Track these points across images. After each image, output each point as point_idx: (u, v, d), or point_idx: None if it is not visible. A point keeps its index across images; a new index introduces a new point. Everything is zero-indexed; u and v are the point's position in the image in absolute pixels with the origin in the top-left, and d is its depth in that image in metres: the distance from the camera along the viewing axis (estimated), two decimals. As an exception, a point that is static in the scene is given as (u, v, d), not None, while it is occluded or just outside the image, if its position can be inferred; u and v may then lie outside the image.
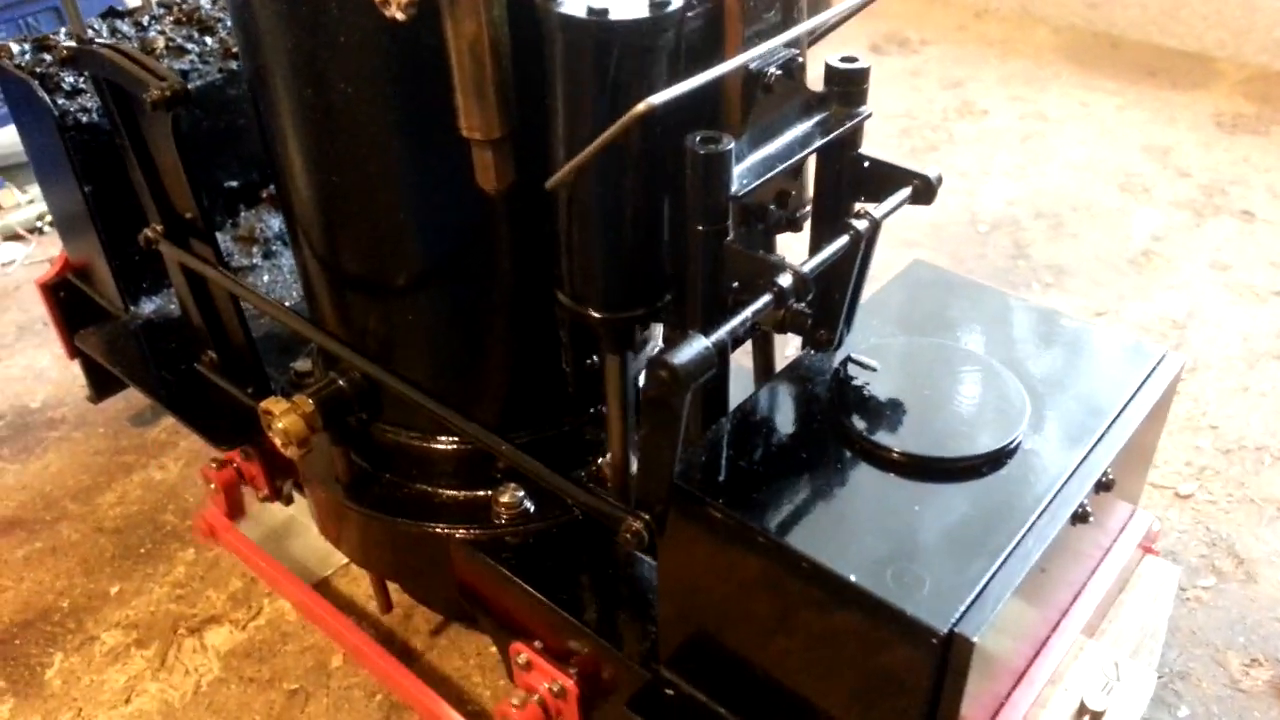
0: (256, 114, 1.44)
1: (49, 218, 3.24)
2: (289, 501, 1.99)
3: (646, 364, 1.06)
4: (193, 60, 1.97)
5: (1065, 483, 1.15)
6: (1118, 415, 1.24)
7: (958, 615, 1.00)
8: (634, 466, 1.44)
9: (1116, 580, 1.45)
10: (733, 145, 1.09)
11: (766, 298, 1.10)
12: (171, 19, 2.06)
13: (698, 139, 1.09)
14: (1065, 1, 4.46)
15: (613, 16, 1.03)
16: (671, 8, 1.05)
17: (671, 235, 1.24)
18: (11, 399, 2.59)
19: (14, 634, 2.00)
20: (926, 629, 1.00)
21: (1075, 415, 1.24)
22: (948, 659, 1.01)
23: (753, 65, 1.14)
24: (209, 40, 2.01)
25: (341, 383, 1.55)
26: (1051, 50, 4.25)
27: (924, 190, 1.27)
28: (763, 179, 1.16)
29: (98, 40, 1.54)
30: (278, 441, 1.52)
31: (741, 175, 1.14)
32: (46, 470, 2.37)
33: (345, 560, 2.05)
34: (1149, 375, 1.30)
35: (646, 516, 1.17)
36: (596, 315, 1.29)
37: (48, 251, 3.13)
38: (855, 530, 1.11)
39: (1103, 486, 1.18)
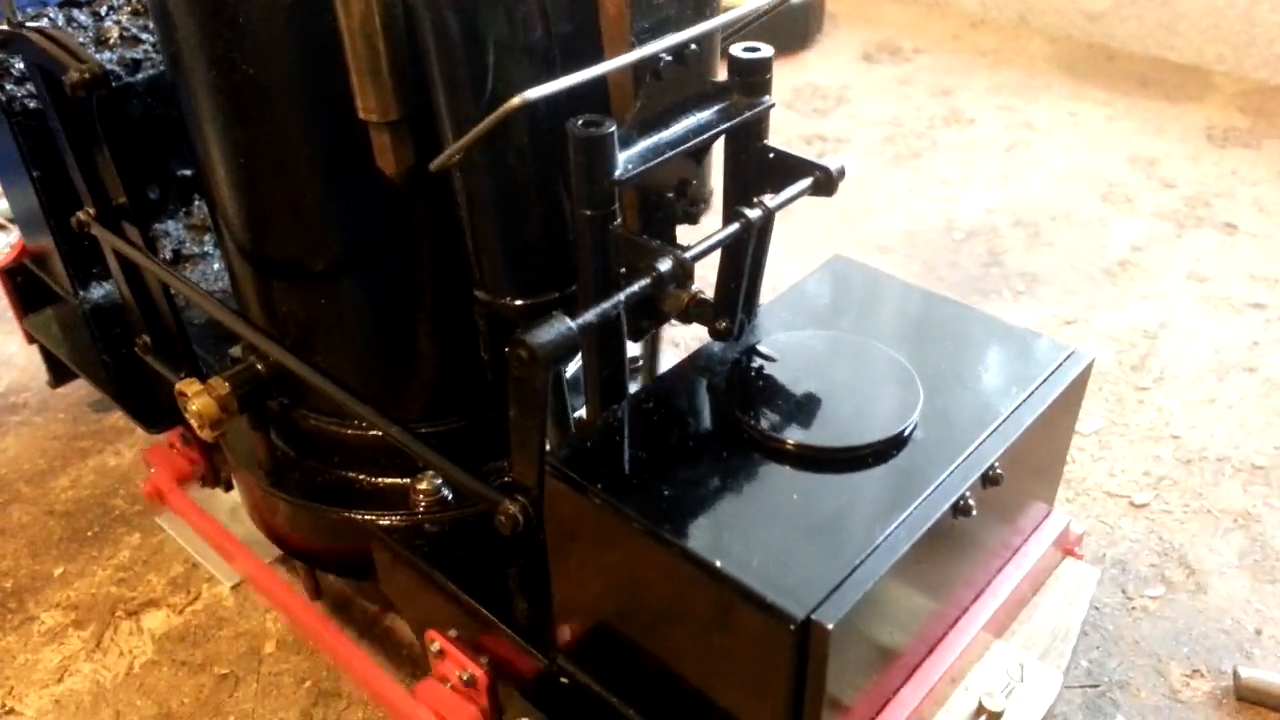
0: (176, 98, 1.45)
1: (32, 208, 3.28)
2: (229, 488, 2.00)
3: (507, 346, 1.05)
4: (146, 50, 1.98)
5: (947, 475, 1.13)
6: (1012, 411, 1.22)
7: (816, 603, 0.99)
8: None
9: (1029, 581, 1.43)
10: (614, 130, 1.09)
11: (644, 280, 1.09)
12: (129, 9, 2.08)
13: (579, 123, 1.09)
14: (1064, 12, 4.44)
15: (481, 3, 1.03)
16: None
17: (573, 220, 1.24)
18: (-23, 383, 2.62)
19: (-44, 613, 2.02)
20: (785, 615, 0.99)
21: (969, 409, 1.22)
22: (807, 646, 1.00)
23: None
24: (163, 29, 2.03)
25: (259, 366, 1.56)
26: (1045, 60, 4.23)
27: (825, 182, 1.26)
28: (650, 164, 1.15)
29: (26, 25, 1.56)
30: (194, 423, 1.52)
31: (627, 160, 1.14)
32: (4, 454, 2.39)
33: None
34: (1051, 373, 1.29)
35: (522, 500, 1.16)
36: (513, 304, 1.29)
37: (28, 241, 3.16)
38: (732, 519, 1.10)
39: (990, 481, 1.16)
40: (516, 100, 1.00)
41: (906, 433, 1.18)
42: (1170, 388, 2.54)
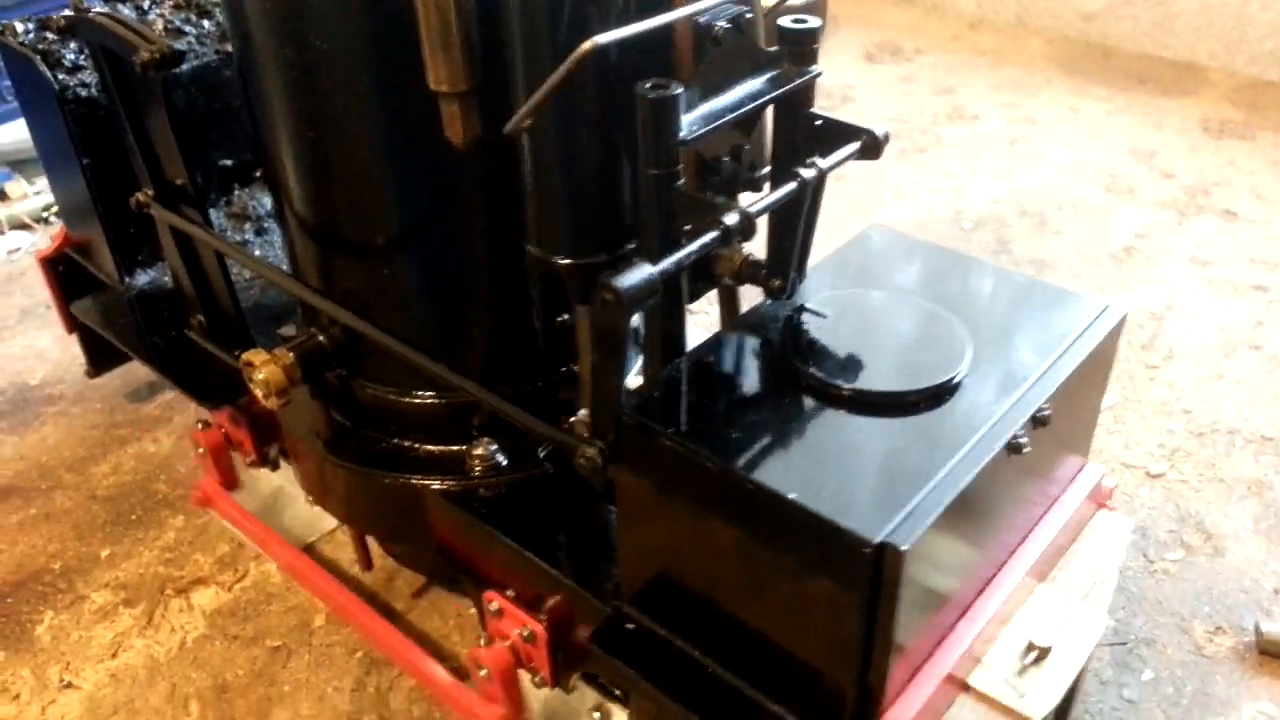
0: (241, 77, 1.51)
1: (55, 209, 3.33)
2: (275, 467, 2.04)
3: (592, 291, 1.11)
4: (190, 42, 2.04)
5: (1001, 415, 1.20)
6: (1056, 358, 1.29)
7: (890, 528, 1.05)
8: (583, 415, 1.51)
9: (1068, 530, 1.50)
10: (681, 91, 1.15)
11: (713, 233, 1.15)
12: (170, 3, 2.14)
13: (647, 85, 1.15)
14: (1060, 13, 4.54)
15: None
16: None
17: (632, 185, 1.30)
18: (11, 376, 2.66)
19: (6, 593, 2.06)
20: (859, 539, 1.05)
21: (1015, 357, 1.29)
22: (880, 569, 1.06)
23: (701, 19, 1.20)
24: (206, 23, 2.09)
25: (321, 338, 1.61)
26: (1044, 59, 4.32)
27: (871, 145, 1.33)
28: (711, 126, 1.21)
29: (95, 10, 1.62)
30: (258, 393, 1.57)
31: (691, 123, 1.20)
32: (44, 442, 2.44)
33: (331, 527, 2.11)
34: (1089, 325, 1.35)
35: (600, 444, 1.22)
36: (562, 262, 1.34)
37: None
38: (798, 457, 1.16)
39: (1039, 422, 1.22)
40: (588, 45, 1.06)
41: (957, 379, 1.24)
42: (1179, 365, 2.62)
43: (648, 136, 1.17)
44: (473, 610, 1.99)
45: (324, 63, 1.35)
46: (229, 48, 2.06)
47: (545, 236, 1.36)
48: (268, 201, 2.19)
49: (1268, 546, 2.13)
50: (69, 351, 2.71)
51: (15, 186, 3.30)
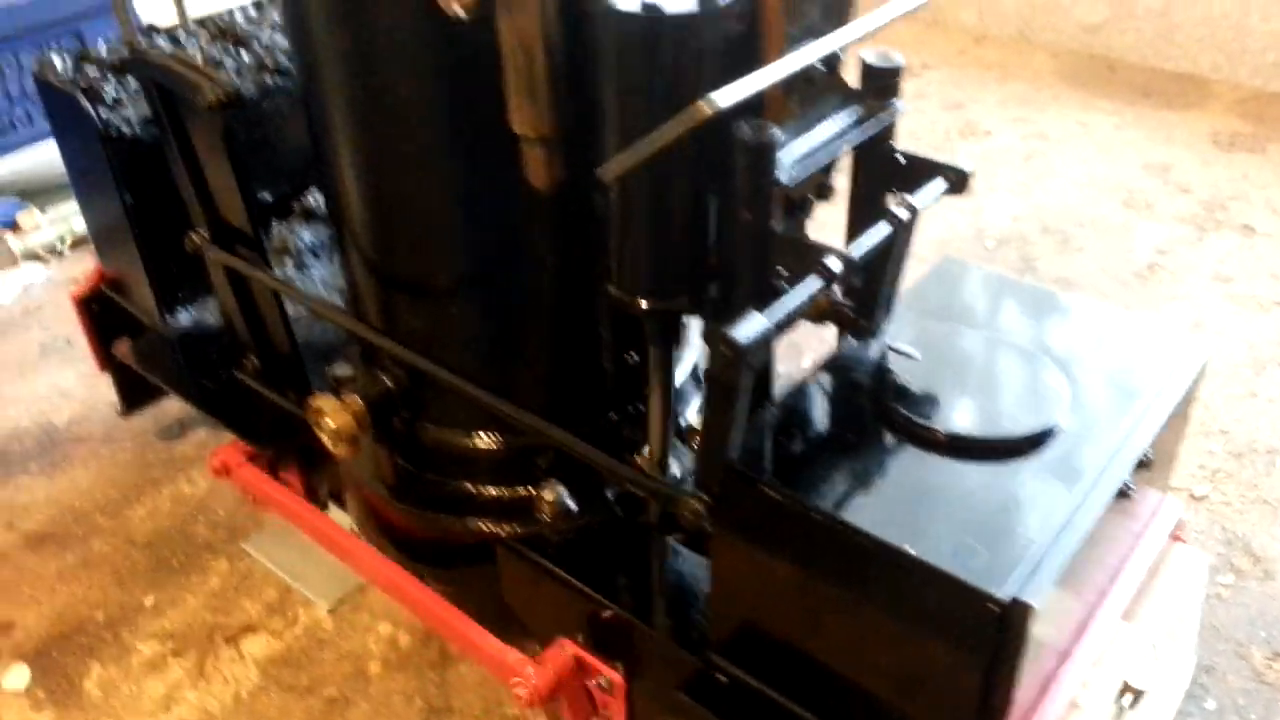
0: (307, 114, 1.49)
1: (68, 239, 3.28)
2: (324, 507, 2.01)
3: (706, 342, 1.09)
4: (229, 74, 2.02)
5: (1109, 460, 1.19)
6: (1154, 398, 1.28)
7: (1017, 584, 1.04)
8: (673, 461, 1.49)
9: (1149, 567, 1.49)
10: (781, 136, 1.14)
11: (818, 279, 1.14)
12: (207, 34, 2.11)
13: (745, 129, 1.13)
14: (1063, 27, 4.57)
15: (666, 11, 1.07)
16: (722, 2, 1.10)
17: (716, 226, 1.28)
18: (37, 416, 2.61)
19: (50, 646, 2.02)
20: (987, 597, 1.03)
21: (1113, 397, 1.28)
22: (1007, 626, 1.04)
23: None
24: (244, 55, 2.06)
25: (388, 382, 1.58)
26: (1050, 73, 4.34)
27: (958, 182, 1.32)
28: (809, 170, 1.20)
29: (151, 48, 1.59)
30: (327, 440, 1.55)
31: (789, 166, 1.18)
32: (75, 485, 2.39)
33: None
34: (1181, 362, 1.35)
35: (705, 497, 1.20)
36: (643, 305, 1.33)
37: (68, 272, 3.16)
38: (907, 508, 1.14)
39: (1143, 465, 1.21)
40: (706, 108, 1.05)
41: (1059, 421, 1.23)
42: (1211, 384, 2.62)
43: (746, 181, 1.16)
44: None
45: (400, 103, 1.33)
46: (268, 79, 2.03)
47: (627, 278, 1.34)
48: (307, 235, 2.16)
49: (1318, 567, 2.13)
50: (95, 389, 2.67)
51: (27, 217, 3.25)
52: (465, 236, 1.45)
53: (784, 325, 1.09)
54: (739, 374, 1.06)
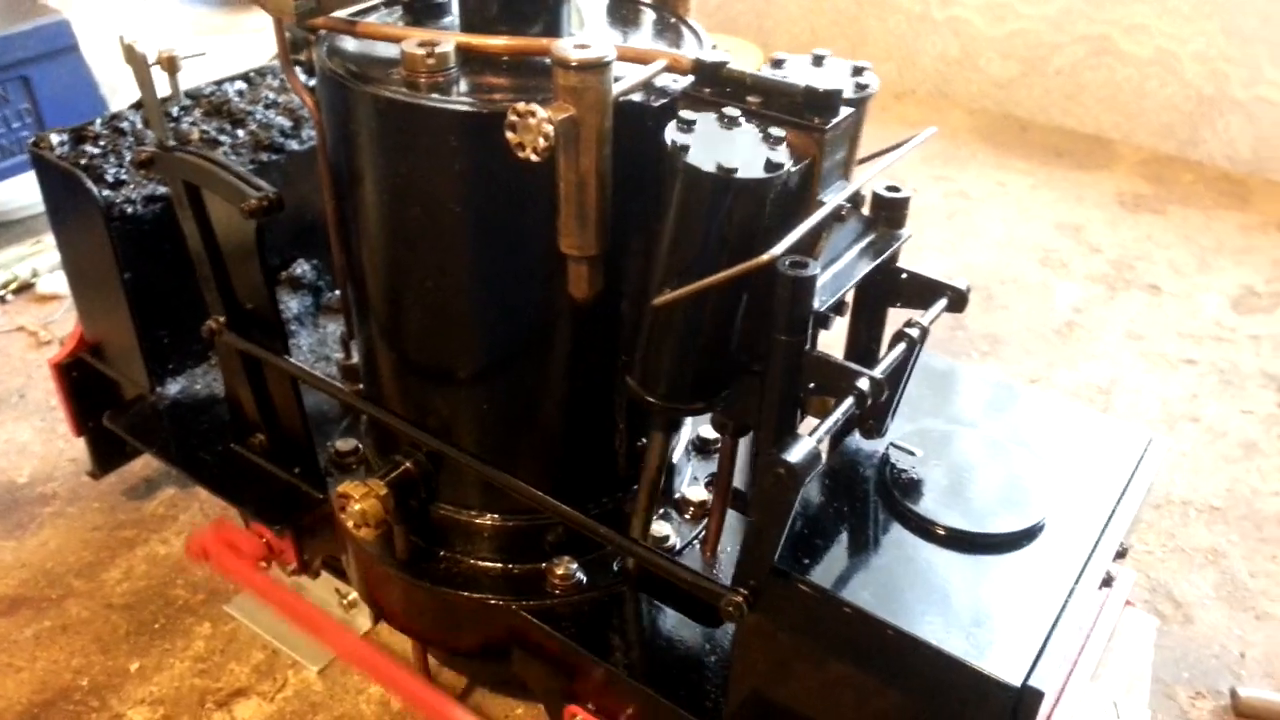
0: (340, 212, 1.56)
1: (12, 286, 3.23)
2: (316, 575, 2.06)
3: (760, 463, 1.21)
4: (225, 152, 2.06)
5: (1092, 551, 1.35)
6: (1124, 491, 1.45)
7: (1028, 670, 1.18)
8: (664, 531, 1.65)
9: (1109, 631, 1.66)
10: (819, 270, 1.27)
11: (850, 400, 1.27)
12: (201, 110, 2.15)
13: (788, 263, 1.25)
14: (976, 83, 4.84)
15: (739, 175, 1.19)
16: (784, 169, 1.23)
17: (739, 340, 1.40)
18: (-3, 473, 2.58)
19: (35, 714, 2.01)
20: (1002, 685, 1.17)
21: (1090, 492, 1.44)
22: (1021, 708, 1.19)
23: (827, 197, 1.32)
24: (240, 132, 2.11)
25: (409, 465, 1.66)
26: (967, 131, 4.61)
27: (956, 300, 1.47)
28: (837, 296, 1.33)
29: (185, 148, 1.63)
30: (350, 523, 1.61)
31: (820, 293, 1.31)
32: (45, 547, 2.38)
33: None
34: (1141, 456, 1.52)
35: (744, 592, 1.32)
36: (660, 405, 1.44)
37: (13, 321, 3.11)
38: (924, 599, 1.28)
39: (1120, 555, 1.38)
40: (766, 257, 1.18)
41: (1047, 516, 1.39)
42: (1130, 438, 2.86)
43: (784, 308, 1.28)
44: (519, 710, 2.05)
45: (457, 224, 1.43)
46: (264, 156, 2.08)
47: (649, 379, 1.45)
48: (294, 304, 2.22)
49: (1229, 613, 2.36)
50: (54, 445, 2.65)
51: (-32, 265, 3.19)
52: (496, 337, 1.55)
53: (832, 446, 1.21)
54: (792, 493, 1.18)
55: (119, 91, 3.54)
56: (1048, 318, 3.36)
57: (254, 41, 4.48)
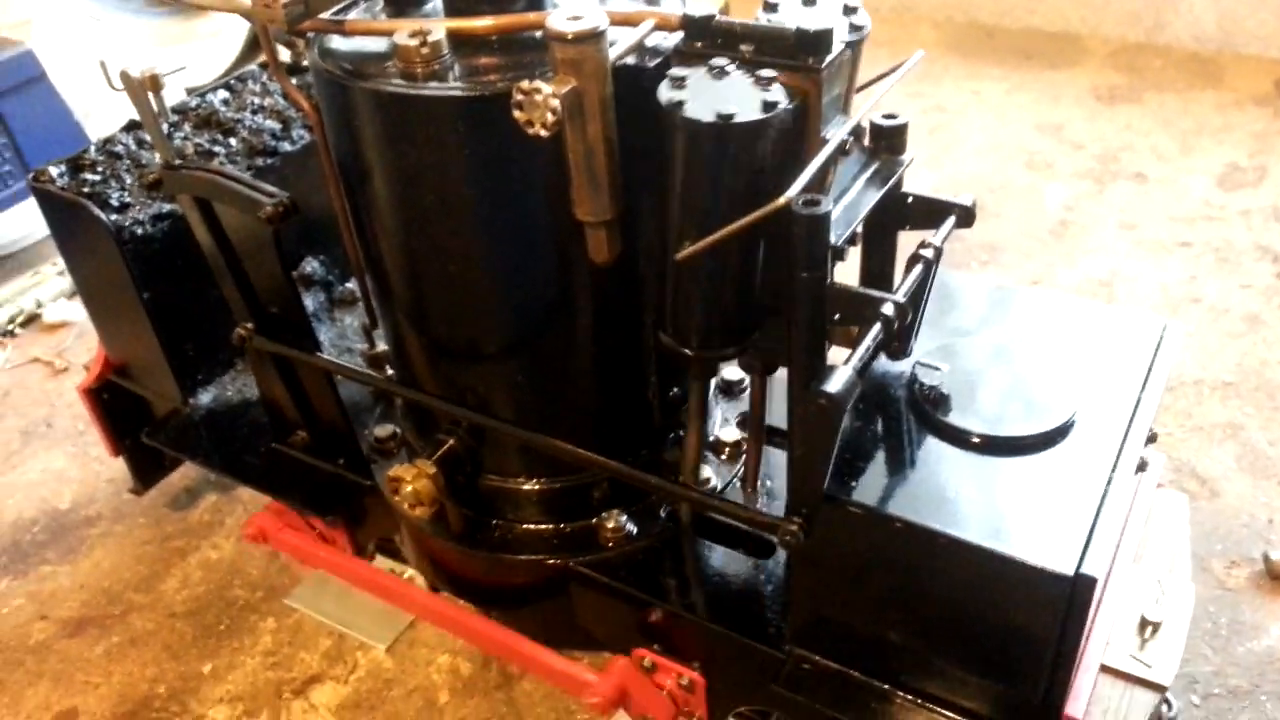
0: (352, 207, 1.59)
1: (20, 318, 3.25)
2: (372, 558, 2.12)
3: (800, 396, 1.26)
4: (220, 161, 2.08)
5: (1125, 441, 1.40)
6: (1146, 377, 1.50)
7: (1079, 559, 1.24)
8: (705, 473, 1.71)
9: (1145, 514, 1.73)
10: (832, 205, 1.30)
11: (877, 325, 1.31)
12: (190, 124, 2.17)
13: (802, 202, 1.29)
14: (938, -6, 4.83)
15: (737, 119, 1.23)
16: (780, 105, 1.26)
17: (762, 281, 1.45)
18: (39, 503, 2.62)
19: (122, 725, 2.08)
20: (1056, 576, 1.24)
21: (1114, 384, 1.49)
22: (1074, 597, 1.25)
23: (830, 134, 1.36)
24: (233, 141, 2.13)
25: (453, 442, 1.71)
26: (936, 45, 4.61)
27: (964, 216, 1.52)
28: (852, 228, 1.38)
29: (191, 165, 1.66)
30: (405, 505, 1.66)
31: (834, 225, 1.35)
32: (99, 567, 2.43)
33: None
34: (1159, 342, 1.57)
35: (800, 520, 1.37)
36: (693, 354, 1.49)
37: (27, 354, 3.14)
38: (969, 505, 1.34)
39: (1151, 440, 1.43)
40: (782, 200, 1.21)
41: (1077, 412, 1.44)
42: (1135, 327, 2.91)
43: (801, 246, 1.32)
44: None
45: (471, 207, 1.46)
46: (260, 162, 2.11)
47: (680, 329, 1.50)
48: (309, 301, 2.25)
49: (1254, 482, 2.43)
50: (89, 469, 2.70)
51: (-29, 302, 3.21)
52: (524, 311, 1.59)
53: (862, 372, 1.26)
54: (836, 422, 1.23)
55: (91, 115, 3.53)
56: (1041, 219, 3.40)
57: (213, 46, 4.46)
